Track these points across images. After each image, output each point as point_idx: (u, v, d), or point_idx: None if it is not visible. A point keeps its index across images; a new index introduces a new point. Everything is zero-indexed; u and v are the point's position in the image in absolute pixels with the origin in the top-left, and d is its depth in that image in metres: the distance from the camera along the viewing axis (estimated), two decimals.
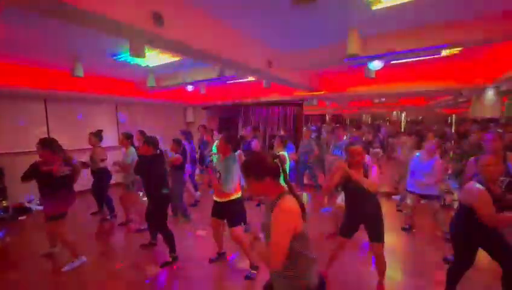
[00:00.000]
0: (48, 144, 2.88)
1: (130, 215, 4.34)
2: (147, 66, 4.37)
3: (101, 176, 4.29)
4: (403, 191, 4.51)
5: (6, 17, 2.53)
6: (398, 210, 4.69)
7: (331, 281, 2.76)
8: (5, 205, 4.63)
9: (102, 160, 4.22)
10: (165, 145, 4.40)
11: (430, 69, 4.79)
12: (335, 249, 2.67)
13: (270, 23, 2.90)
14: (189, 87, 5.83)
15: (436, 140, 3.76)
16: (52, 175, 2.83)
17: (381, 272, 2.50)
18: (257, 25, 2.97)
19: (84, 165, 3.96)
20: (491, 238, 2.04)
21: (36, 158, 2.92)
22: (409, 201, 3.83)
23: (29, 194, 4.96)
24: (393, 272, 2.90)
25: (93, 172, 4.28)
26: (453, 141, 6.16)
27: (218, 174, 2.76)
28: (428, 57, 3.94)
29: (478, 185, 1.98)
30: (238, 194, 2.83)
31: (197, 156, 5.83)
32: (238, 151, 2.97)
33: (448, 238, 3.49)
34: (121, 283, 2.84)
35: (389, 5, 2.40)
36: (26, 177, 2.85)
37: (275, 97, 6.75)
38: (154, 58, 3.90)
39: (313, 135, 6.16)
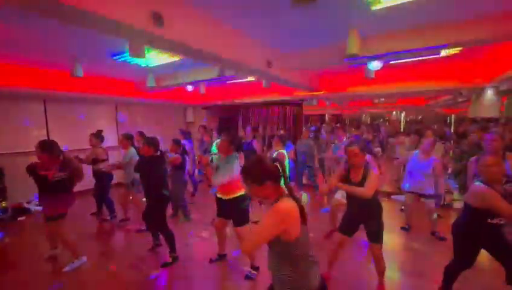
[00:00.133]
0: (47, 148, 2.85)
1: (128, 214, 4.35)
2: (147, 66, 4.37)
3: (102, 176, 4.28)
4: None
5: (6, 17, 2.52)
6: (402, 210, 4.69)
7: (331, 281, 2.76)
8: (4, 205, 4.62)
9: (103, 160, 4.21)
10: (164, 146, 4.40)
11: (430, 69, 4.79)
12: (334, 248, 2.66)
13: (270, 23, 2.90)
14: (189, 87, 5.83)
15: (432, 138, 3.77)
16: (47, 178, 2.83)
17: (381, 272, 2.50)
18: (257, 25, 2.97)
19: (81, 160, 3.91)
20: (495, 239, 2.04)
21: (36, 159, 2.92)
22: (407, 201, 3.84)
23: (31, 195, 4.94)
24: (393, 272, 2.90)
25: (94, 173, 4.27)
26: (452, 141, 6.17)
27: (216, 168, 2.77)
28: (428, 57, 3.95)
29: (483, 185, 1.97)
30: (242, 192, 2.78)
31: (197, 156, 5.84)
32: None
33: (441, 237, 3.53)
34: (121, 283, 2.84)
35: (389, 5, 2.40)
36: (28, 171, 2.85)
37: (274, 97, 6.75)
38: (154, 58, 3.90)
39: (311, 135, 6.16)
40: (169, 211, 4.00)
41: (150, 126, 7.36)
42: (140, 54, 2.71)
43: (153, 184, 3.03)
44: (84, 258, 3.16)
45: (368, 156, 2.56)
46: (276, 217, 1.22)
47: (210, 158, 3.03)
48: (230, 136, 2.81)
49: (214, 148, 5.36)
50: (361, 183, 2.32)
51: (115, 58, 3.90)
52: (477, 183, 2.03)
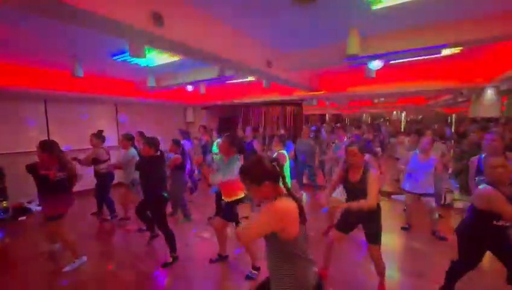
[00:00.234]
0: (47, 148, 2.88)
1: (129, 213, 4.35)
2: (147, 66, 4.37)
3: (104, 177, 4.28)
4: None
5: (6, 17, 2.52)
6: (405, 210, 4.68)
7: (331, 281, 2.77)
8: (5, 205, 4.62)
9: (105, 161, 4.21)
10: (164, 146, 4.40)
11: (430, 68, 4.79)
12: (329, 244, 2.66)
13: (270, 23, 2.90)
14: (189, 87, 5.83)
15: (431, 137, 3.77)
16: (49, 179, 2.84)
17: (381, 273, 2.50)
18: (257, 25, 2.96)
19: (80, 161, 3.94)
20: (501, 241, 2.02)
21: (36, 159, 2.92)
22: (407, 201, 3.84)
23: (32, 195, 4.95)
24: (393, 272, 2.90)
25: (96, 173, 4.27)
26: (452, 141, 6.17)
27: (216, 169, 2.77)
28: (428, 57, 3.94)
29: (488, 187, 1.96)
30: (244, 194, 2.76)
31: (196, 155, 5.85)
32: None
33: (441, 237, 3.53)
34: (122, 282, 2.84)
35: (389, 4, 2.39)
36: (28, 170, 2.86)
37: (274, 97, 6.75)
38: (154, 58, 3.90)
39: (311, 135, 6.16)
40: (168, 209, 4.00)
41: (150, 126, 7.36)
42: (140, 54, 2.71)
43: (151, 184, 3.05)
44: (84, 258, 3.16)
45: (366, 156, 2.56)
46: (272, 215, 1.23)
47: (211, 158, 3.04)
48: (231, 137, 2.81)
49: (215, 148, 5.39)
50: (359, 183, 2.32)
51: (115, 58, 3.90)
52: (483, 185, 2.01)
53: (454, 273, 2.26)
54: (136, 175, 3.57)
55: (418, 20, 2.80)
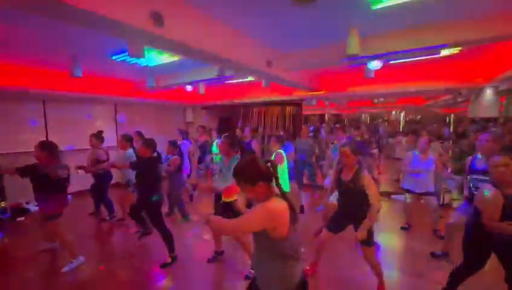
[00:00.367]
0: (47, 147, 2.91)
1: (126, 214, 4.35)
2: (147, 66, 4.36)
3: (101, 176, 4.27)
4: None
5: (5, 16, 2.51)
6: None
7: (330, 282, 2.77)
8: (3, 205, 4.59)
9: (104, 161, 4.20)
10: (162, 147, 4.40)
11: (430, 68, 4.80)
12: (319, 244, 2.71)
13: (270, 23, 2.89)
14: (189, 87, 5.82)
15: (427, 137, 3.79)
16: (49, 177, 2.84)
17: (378, 274, 2.50)
18: (257, 25, 2.96)
19: (84, 169, 4.00)
20: (504, 244, 1.97)
21: (33, 160, 2.92)
22: (407, 200, 3.85)
23: (30, 196, 4.93)
24: (393, 272, 2.91)
25: (93, 173, 4.26)
26: (451, 141, 6.19)
27: (219, 172, 2.76)
28: (428, 57, 3.95)
29: (489, 187, 1.95)
30: None
31: (195, 156, 5.84)
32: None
33: (441, 236, 3.53)
34: (121, 283, 2.84)
35: (389, 4, 2.39)
36: (24, 172, 2.83)
37: (274, 97, 6.75)
38: (154, 58, 3.89)
39: (310, 135, 6.16)
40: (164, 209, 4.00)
41: (150, 126, 7.35)
42: (140, 54, 2.70)
43: (146, 185, 3.06)
44: (82, 258, 3.16)
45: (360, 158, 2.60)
46: (264, 214, 1.25)
47: (210, 159, 3.04)
48: (230, 137, 2.82)
49: (215, 149, 5.38)
50: (350, 182, 2.36)
51: (114, 58, 3.89)
52: (486, 185, 2.00)
53: (458, 275, 2.24)
54: (132, 176, 3.59)
55: (418, 20, 2.80)
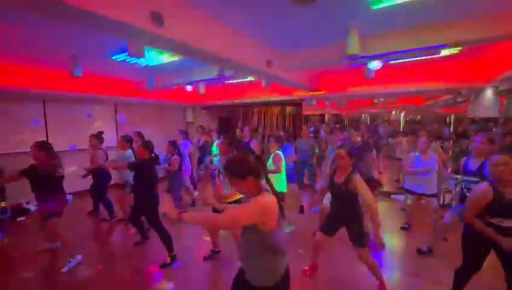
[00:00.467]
0: (45, 146, 2.93)
1: (126, 214, 4.35)
2: (147, 66, 4.36)
3: (100, 177, 4.27)
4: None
5: (6, 16, 2.51)
6: (403, 209, 4.69)
7: (329, 282, 2.77)
8: (3, 205, 4.60)
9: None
10: (162, 147, 4.41)
11: (430, 68, 4.80)
12: (316, 244, 2.73)
13: (270, 23, 2.89)
14: (189, 87, 5.82)
15: (426, 137, 3.79)
16: (49, 177, 2.86)
17: (376, 274, 2.50)
18: (257, 25, 2.96)
19: (88, 172, 4.15)
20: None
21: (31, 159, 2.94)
22: (408, 201, 3.84)
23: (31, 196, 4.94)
24: (392, 272, 2.91)
25: (92, 173, 4.26)
26: (451, 141, 6.19)
27: (221, 176, 2.77)
28: (428, 57, 3.95)
29: (484, 184, 1.97)
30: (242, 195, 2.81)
31: (195, 156, 5.85)
32: None
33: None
34: (120, 283, 2.84)
35: (389, 4, 2.40)
36: (27, 174, 2.85)
37: (274, 97, 6.75)
38: (154, 58, 3.89)
39: (310, 136, 6.16)
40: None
41: (150, 126, 7.36)
42: (140, 54, 2.70)
43: (144, 186, 3.09)
44: (80, 257, 3.16)
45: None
46: (257, 209, 1.30)
47: (209, 160, 3.04)
48: (230, 137, 2.84)
49: (214, 149, 5.38)
50: (342, 184, 2.38)
51: (114, 58, 3.89)
52: (482, 183, 2.02)
53: (459, 277, 2.23)
54: (130, 177, 3.62)
55: (418, 20, 2.80)
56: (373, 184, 4.62)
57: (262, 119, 8.21)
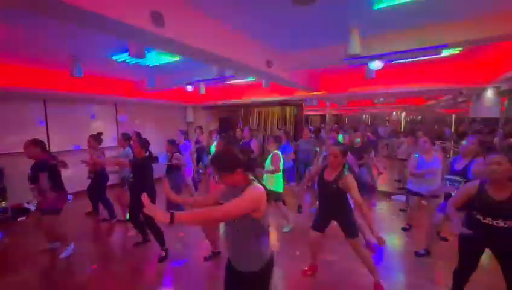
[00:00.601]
0: (39, 143, 3.01)
1: (124, 212, 4.36)
2: (147, 66, 4.37)
3: (98, 177, 4.28)
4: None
5: (6, 16, 2.51)
6: (402, 210, 4.68)
7: (327, 282, 2.76)
8: (4, 205, 4.61)
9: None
10: (163, 146, 4.42)
11: (431, 69, 4.79)
12: (311, 244, 2.76)
13: (270, 23, 2.89)
14: (189, 87, 5.81)
15: (426, 137, 3.79)
16: (53, 171, 2.90)
17: (370, 269, 2.51)
18: (257, 25, 2.96)
19: (91, 172, 4.20)
20: (496, 241, 1.94)
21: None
22: (410, 201, 3.83)
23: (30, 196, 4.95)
24: (393, 272, 2.90)
25: (90, 173, 4.28)
26: (452, 141, 6.18)
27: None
28: (429, 57, 3.93)
29: (475, 181, 1.99)
30: None
31: (194, 156, 5.86)
32: None
33: (442, 237, 3.52)
34: (120, 283, 2.84)
35: (389, 4, 2.39)
36: (33, 179, 2.89)
37: (274, 97, 6.74)
38: (154, 58, 3.90)
39: (312, 136, 6.16)
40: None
41: (150, 126, 7.37)
42: (140, 54, 2.70)
43: (140, 184, 3.14)
44: (72, 245, 3.31)
45: (350, 158, 2.63)
46: (253, 198, 1.38)
47: (208, 161, 3.06)
48: (226, 137, 2.86)
49: (213, 149, 5.38)
50: (332, 182, 2.39)
51: (114, 58, 3.90)
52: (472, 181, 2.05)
53: (458, 276, 2.22)
54: (127, 172, 3.76)
55: (418, 20, 2.80)
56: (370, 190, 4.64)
57: (262, 119, 8.21)
